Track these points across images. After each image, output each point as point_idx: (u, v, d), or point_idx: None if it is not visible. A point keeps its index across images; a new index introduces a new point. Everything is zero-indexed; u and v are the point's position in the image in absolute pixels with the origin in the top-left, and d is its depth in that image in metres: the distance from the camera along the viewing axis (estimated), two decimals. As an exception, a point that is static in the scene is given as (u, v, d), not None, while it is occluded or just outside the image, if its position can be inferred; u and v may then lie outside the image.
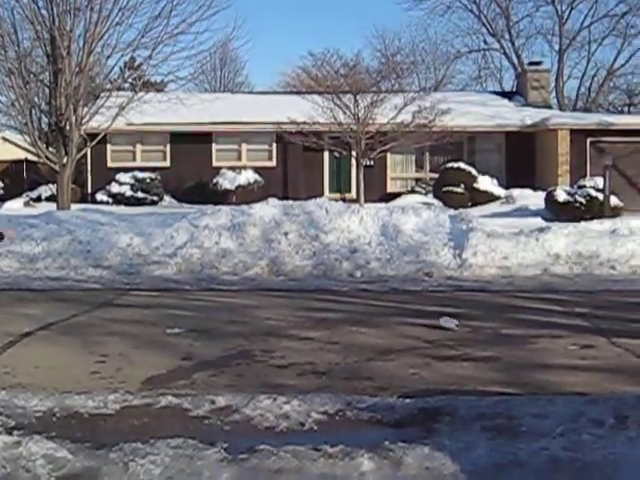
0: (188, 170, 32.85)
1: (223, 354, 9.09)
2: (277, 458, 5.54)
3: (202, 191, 31.90)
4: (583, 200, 24.30)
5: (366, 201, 27.58)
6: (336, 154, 31.46)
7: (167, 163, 33.85)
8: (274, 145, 33.50)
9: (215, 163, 33.54)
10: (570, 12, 51.16)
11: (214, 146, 33.93)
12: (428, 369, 8.41)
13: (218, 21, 42.70)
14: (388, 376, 8.09)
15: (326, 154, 32.91)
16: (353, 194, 31.49)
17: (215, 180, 31.96)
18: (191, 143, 33.23)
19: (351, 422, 6.53)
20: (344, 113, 28.38)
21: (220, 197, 30.54)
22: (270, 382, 7.80)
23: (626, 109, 54.38)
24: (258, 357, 8.94)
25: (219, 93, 43.87)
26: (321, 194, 30.40)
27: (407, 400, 7.06)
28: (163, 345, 9.59)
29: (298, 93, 31.71)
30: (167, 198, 32.57)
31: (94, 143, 23.72)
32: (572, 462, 5.59)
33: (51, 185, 29.99)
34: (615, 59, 53.14)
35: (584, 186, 24.97)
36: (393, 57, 32.36)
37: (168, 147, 33.96)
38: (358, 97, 28.02)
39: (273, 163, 33.57)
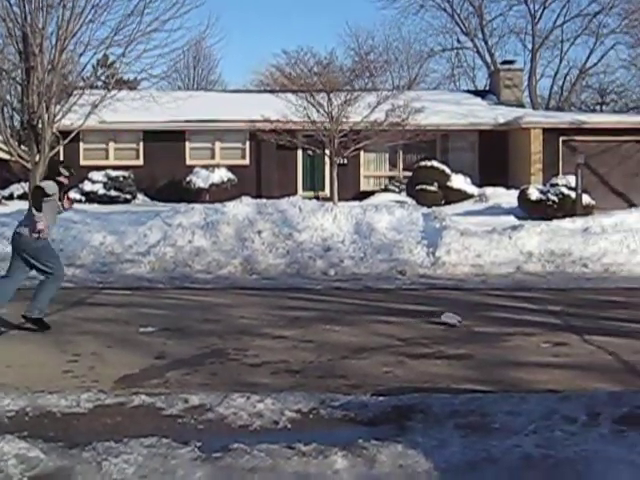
0: (161, 168, 32.72)
1: (197, 353, 9.08)
2: (251, 457, 5.54)
3: (175, 189, 31.77)
4: (556, 198, 24.41)
5: (340, 199, 27.57)
6: (310, 152, 31.42)
7: (140, 161, 33.69)
8: (247, 143, 33.42)
9: (188, 161, 33.42)
10: (543, 11, 51.42)
11: (187, 144, 33.80)
12: (402, 367, 8.44)
13: (191, 19, 42.73)
14: (362, 374, 8.10)
15: (300, 152, 32.88)
16: (327, 192, 31.49)
17: (188, 178, 31.84)
18: (164, 141, 33.09)
19: (325, 420, 6.54)
20: (318, 111, 28.35)
21: (193, 195, 30.46)
22: (244, 381, 7.80)
23: (598, 108, 54.69)
24: (232, 356, 8.93)
25: (193, 91, 43.75)
26: (295, 192, 30.37)
27: (381, 398, 7.08)
28: (136, 344, 9.56)
29: (272, 91, 31.64)
30: (140, 196, 32.41)
31: (67, 141, 23.53)
32: (544, 459, 5.63)
33: (23, 183, 29.79)
34: (587, 58, 53.49)
35: (557, 184, 25.08)
36: (367, 55, 32.31)
37: (141, 145, 33.80)
38: (332, 95, 28.00)
39: (247, 161, 33.50)
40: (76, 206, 16.01)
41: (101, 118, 25.00)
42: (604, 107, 54.94)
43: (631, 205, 26.19)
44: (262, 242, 17.14)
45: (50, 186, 10.18)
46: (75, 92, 24.22)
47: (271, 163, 33.07)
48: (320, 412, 6.68)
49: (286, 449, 5.70)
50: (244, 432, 6.20)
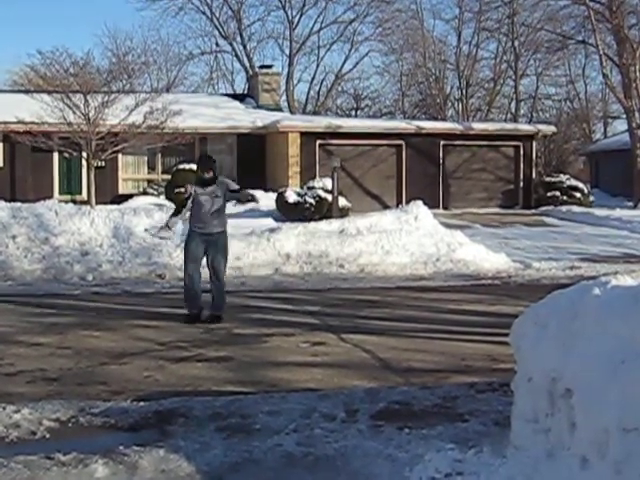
0: None
1: (-53, 364, 8.70)
2: (8, 469, 5.37)
3: None
4: (313, 201, 24.94)
5: (97, 203, 27.04)
6: (66, 155, 30.67)
7: None
8: (0, 145, 32.25)
9: None
10: (300, 17, 52.39)
11: None
12: (162, 371, 8.40)
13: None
14: (122, 380, 8.01)
15: (56, 155, 31.99)
16: (84, 196, 30.80)
17: None
18: None
19: (84, 428, 6.43)
20: (74, 113, 27.71)
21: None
22: (-2, 391, 7.54)
23: (353, 113, 56.34)
24: (-15, 365, 8.61)
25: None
26: (51, 196, 29.49)
27: (141, 403, 7.03)
28: None
29: (27, 92, 30.67)
30: None
31: None
32: (305, 457, 5.76)
33: None
34: (343, 64, 54.97)
35: (313, 187, 25.62)
36: (124, 57, 31.88)
37: None
38: (88, 97, 27.42)
39: (0, 164, 32.33)
40: None
41: None
42: (359, 112, 56.67)
43: (385, 207, 27.08)
44: (17, 247, 16.58)
45: None
46: None
47: (26, 166, 32.00)
48: (80, 420, 6.56)
49: (45, 460, 5.56)
50: (0, 444, 6.00)
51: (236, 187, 11.43)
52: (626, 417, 4.47)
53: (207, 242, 11.13)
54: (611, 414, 4.55)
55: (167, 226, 11.57)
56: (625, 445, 4.45)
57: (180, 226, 11.79)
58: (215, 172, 11.17)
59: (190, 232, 11.29)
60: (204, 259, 11.29)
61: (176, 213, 11.52)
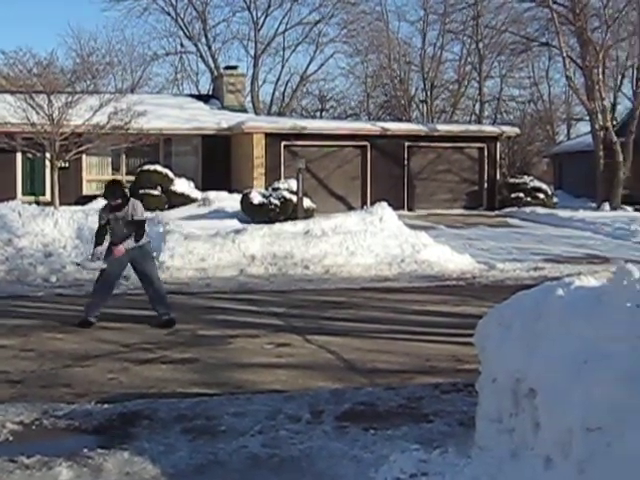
0: None
1: None
2: (-31, 473, 5.33)
3: None
4: (278, 202, 24.90)
5: (61, 204, 26.86)
6: (30, 156, 30.44)
7: None
8: (-38, 145, 31.97)
9: None
10: (265, 18, 52.22)
11: None
12: (126, 373, 8.36)
13: None
14: (86, 382, 7.97)
15: (19, 155, 31.72)
16: (48, 197, 30.58)
17: None
18: None
19: (48, 431, 6.39)
20: (38, 114, 27.51)
21: None
22: (-40, 394, 7.47)
23: (318, 114, 56.34)
24: (-53, 368, 8.53)
25: None
26: (14, 197, 29.19)
27: (106, 405, 7.00)
28: None
29: (-12, 92, 30.42)
30: None
31: None
32: (270, 458, 5.76)
33: None
34: (308, 65, 54.85)
35: (278, 188, 25.59)
36: (88, 57, 31.69)
37: None
38: (52, 97, 27.24)
39: (-38, 164, 32.05)
40: None
41: None
42: (324, 113, 56.67)
43: (350, 208, 27.09)
44: (-21, 249, 16.45)
45: None
46: None
47: (-12, 166, 31.75)
48: (43, 422, 6.51)
49: (8, 462, 5.53)
50: (-39, 448, 5.95)
51: (140, 219, 11.16)
52: (589, 417, 4.51)
53: (130, 257, 11.15)
54: (574, 414, 4.58)
55: (96, 257, 11.54)
56: (588, 445, 4.48)
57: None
58: (123, 197, 11.11)
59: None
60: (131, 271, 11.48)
61: (97, 244, 11.45)
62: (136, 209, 11.07)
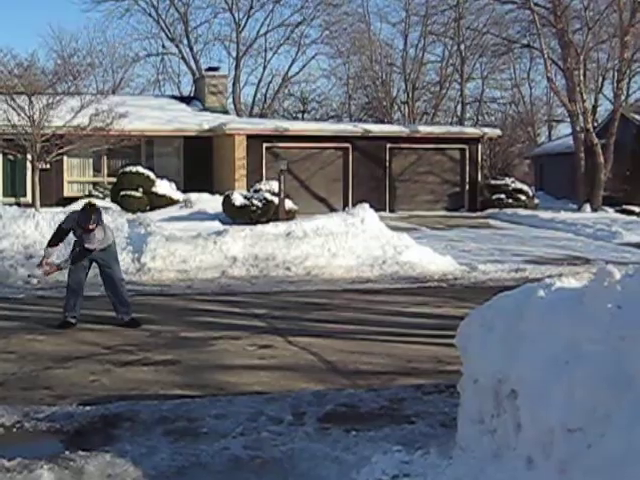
0: None
1: None
2: (-51, 476, 5.30)
3: None
4: (259, 204, 24.87)
5: (42, 205, 26.76)
6: (10, 157, 30.33)
7: None
8: (-57, 147, 31.81)
9: None
10: (247, 20, 52.26)
11: None
12: (108, 375, 8.34)
13: None
14: (68, 384, 7.95)
15: (0, 157, 31.66)
16: (29, 198, 30.46)
17: None
18: None
19: (29, 433, 6.36)
20: (18, 115, 27.43)
21: None
22: (-59, 397, 7.43)
23: (300, 115, 56.37)
24: None
25: None
26: (-6, 198, 29.23)
27: (87, 407, 6.97)
28: None
29: (-31, 93, 30.26)
30: None
31: None
32: (252, 460, 5.75)
33: None
34: (290, 67, 54.93)
35: (260, 190, 25.57)
36: (70, 58, 31.59)
37: None
38: (33, 98, 27.16)
39: (-58, 166, 31.90)
40: None
41: None
42: (306, 115, 56.70)
43: (332, 210, 27.14)
44: (-41, 250, 16.37)
45: None
46: None
47: (-32, 168, 31.61)
48: (24, 425, 6.49)
49: (-12, 465, 5.50)
50: (-58, 450, 5.92)
51: (91, 247, 10.86)
52: (570, 417, 4.52)
53: (94, 258, 11.12)
54: (556, 415, 4.60)
55: (45, 258, 11.43)
56: (569, 445, 4.50)
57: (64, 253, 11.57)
58: (98, 225, 10.81)
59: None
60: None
61: (51, 244, 11.33)
62: (105, 239, 10.98)
